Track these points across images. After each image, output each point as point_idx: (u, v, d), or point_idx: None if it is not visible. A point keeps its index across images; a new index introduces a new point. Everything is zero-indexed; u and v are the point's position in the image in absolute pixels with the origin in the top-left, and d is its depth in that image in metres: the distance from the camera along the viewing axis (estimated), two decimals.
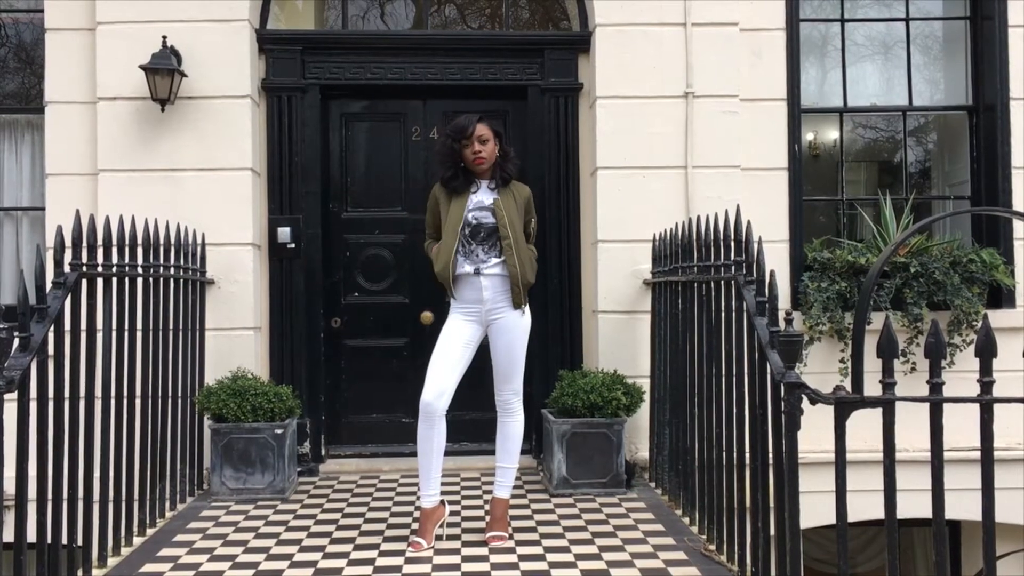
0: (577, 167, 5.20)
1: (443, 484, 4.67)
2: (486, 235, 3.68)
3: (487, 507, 3.84)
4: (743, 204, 3.98)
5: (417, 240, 5.24)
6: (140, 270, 3.81)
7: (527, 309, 3.76)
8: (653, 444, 4.67)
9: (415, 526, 3.92)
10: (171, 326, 4.17)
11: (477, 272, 3.67)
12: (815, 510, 3.75)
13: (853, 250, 5.07)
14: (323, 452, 5.21)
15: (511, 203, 3.71)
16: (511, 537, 3.69)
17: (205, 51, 4.89)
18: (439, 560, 3.43)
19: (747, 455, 3.19)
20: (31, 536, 2.85)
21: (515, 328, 3.71)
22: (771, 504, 2.93)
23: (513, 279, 3.64)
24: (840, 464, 2.53)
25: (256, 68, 5.09)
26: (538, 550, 3.54)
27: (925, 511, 2.58)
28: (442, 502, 3.73)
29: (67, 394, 3.16)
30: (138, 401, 3.77)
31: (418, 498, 3.77)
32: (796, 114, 5.20)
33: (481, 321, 3.72)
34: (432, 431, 3.58)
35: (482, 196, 3.73)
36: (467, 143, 3.68)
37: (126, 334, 3.68)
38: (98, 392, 3.44)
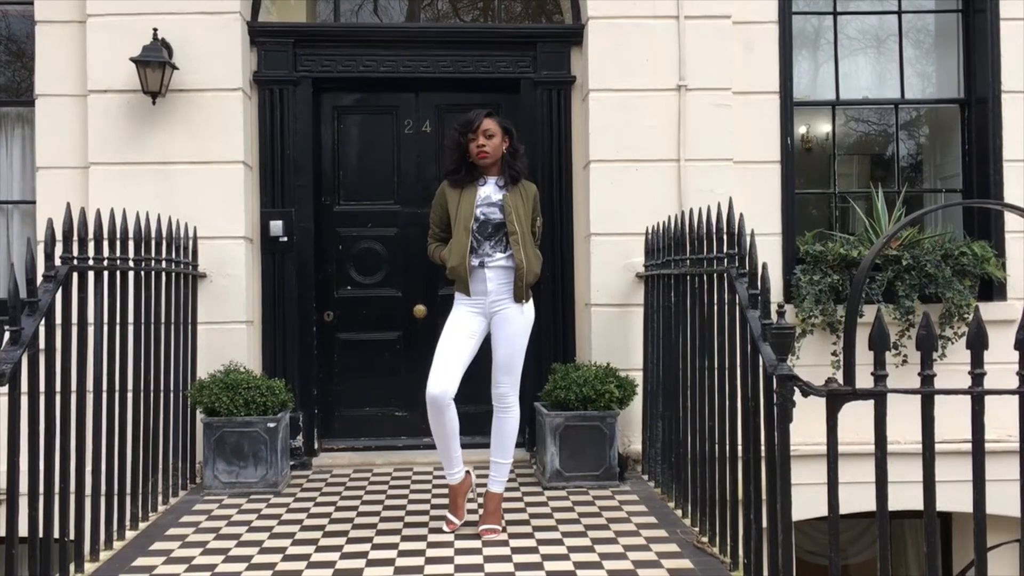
0: (570, 160, 5.20)
1: (436, 479, 4.72)
2: (493, 230, 3.70)
3: (481, 500, 3.84)
4: (735, 197, 3.98)
5: (410, 233, 5.25)
6: (131, 264, 3.80)
7: (530, 305, 3.77)
8: (646, 437, 4.68)
9: (409, 519, 3.93)
10: (163, 320, 4.16)
11: (482, 264, 3.68)
12: (807, 502, 3.77)
13: (845, 243, 5.08)
14: (316, 446, 5.21)
15: (519, 200, 3.75)
16: (504, 530, 3.70)
17: (196, 44, 4.87)
18: (432, 553, 3.43)
19: (739, 447, 3.19)
20: (22, 530, 2.85)
21: (517, 321, 3.72)
22: (763, 496, 2.93)
23: (518, 272, 3.66)
24: (832, 456, 2.54)
25: (248, 61, 5.07)
26: (531, 542, 3.55)
27: (916, 503, 2.59)
28: (467, 472, 3.82)
29: (58, 388, 3.15)
30: (130, 395, 3.76)
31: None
32: (788, 107, 5.21)
33: (485, 313, 3.73)
34: (442, 418, 3.62)
35: (490, 192, 3.75)
36: (473, 137, 3.71)
37: (117, 328, 3.67)
38: (90, 386, 3.44)
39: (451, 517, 3.78)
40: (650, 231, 4.66)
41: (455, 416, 3.66)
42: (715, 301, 3.54)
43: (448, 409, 3.61)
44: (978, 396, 2.44)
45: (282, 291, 5.09)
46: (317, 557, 3.41)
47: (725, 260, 3.42)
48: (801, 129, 5.70)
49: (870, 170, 5.92)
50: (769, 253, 4.74)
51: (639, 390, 4.63)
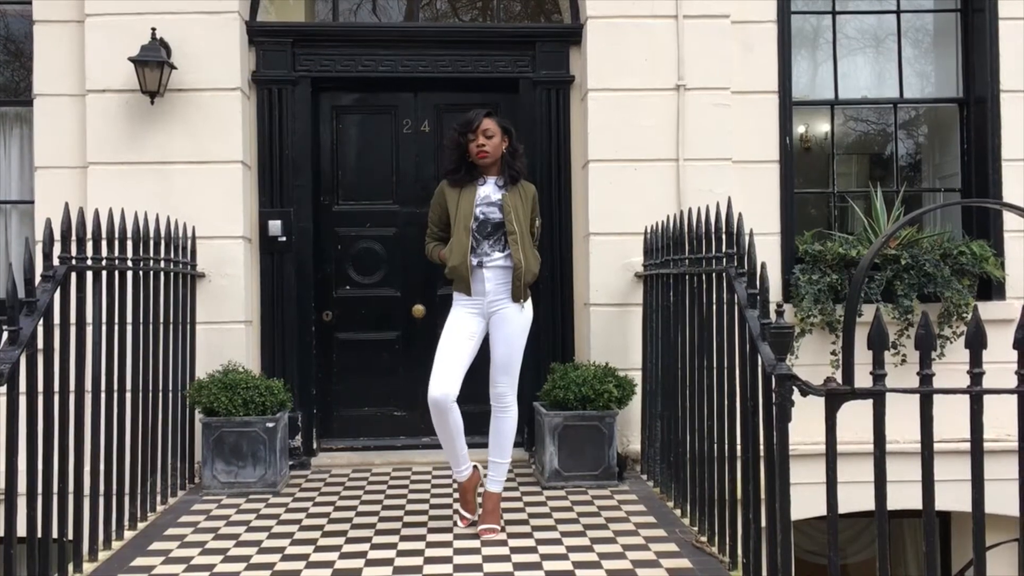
0: (569, 160, 5.20)
1: (434, 478, 4.72)
2: (492, 230, 3.71)
3: (479, 500, 3.85)
4: (734, 196, 3.98)
5: (409, 233, 5.25)
6: (130, 263, 3.79)
7: (528, 304, 3.78)
8: (645, 436, 4.68)
9: (407, 519, 3.93)
10: (161, 320, 4.16)
11: (480, 264, 3.68)
12: (806, 501, 3.77)
13: (844, 243, 5.08)
14: (314, 445, 5.20)
15: (518, 200, 3.76)
16: (503, 529, 3.70)
17: (195, 43, 4.87)
18: (431, 552, 3.43)
19: (738, 447, 3.19)
20: (21, 530, 2.84)
21: (515, 321, 3.72)
22: (762, 496, 2.93)
23: (516, 272, 3.66)
24: (831, 456, 2.54)
25: (246, 60, 5.06)
26: (530, 542, 3.55)
27: (915, 502, 2.59)
28: (475, 467, 3.83)
29: (57, 388, 3.14)
30: (128, 395, 3.76)
31: (454, 481, 3.93)
32: (787, 107, 5.21)
33: (483, 314, 3.74)
34: (446, 419, 3.62)
35: (489, 191, 3.76)
36: (472, 137, 3.72)
37: (116, 328, 3.66)
38: (88, 386, 3.43)
39: (463, 513, 3.81)
40: (649, 231, 4.65)
41: (459, 417, 3.65)
42: (714, 301, 3.54)
43: (451, 411, 3.61)
44: (977, 395, 2.44)
45: (281, 291, 5.09)
46: (316, 557, 3.41)
47: (724, 260, 3.42)
48: (800, 129, 5.70)
49: (869, 169, 5.92)
50: (768, 253, 4.74)
51: (638, 390, 4.63)
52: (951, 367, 4.10)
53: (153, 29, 4.77)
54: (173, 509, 4.13)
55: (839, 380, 2.54)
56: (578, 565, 3.26)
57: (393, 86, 5.32)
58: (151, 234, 4.04)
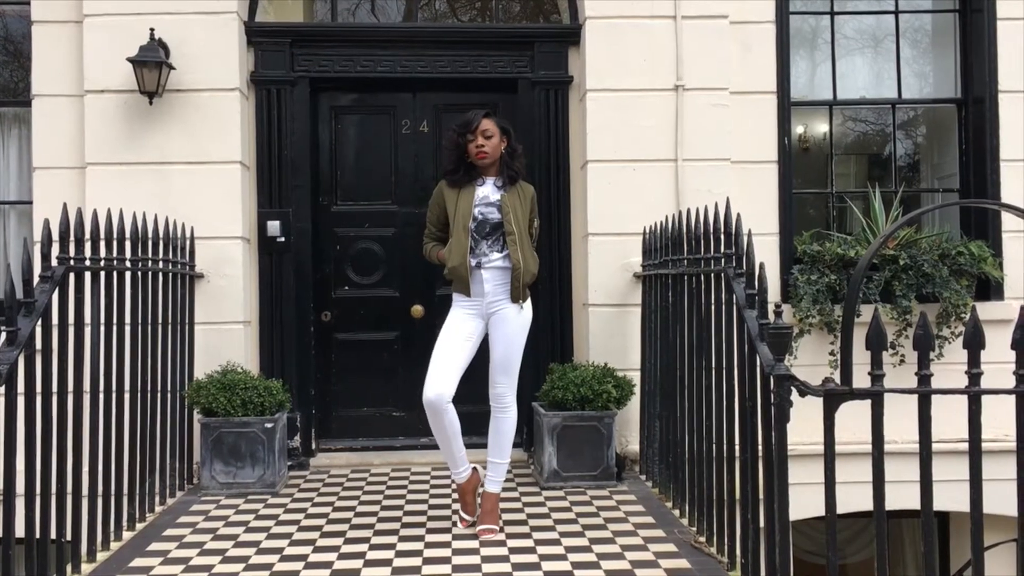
0: (567, 160, 5.20)
1: (433, 479, 4.72)
2: (491, 230, 3.71)
3: (479, 501, 3.85)
4: (733, 197, 3.98)
5: (408, 233, 5.25)
6: (128, 264, 3.79)
7: (527, 305, 3.78)
8: (643, 437, 4.68)
9: (406, 519, 3.93)
10: (160, 320, 4.16)
11: (479, 266, 3.68)
12: (805, 502, 3.77)
13: (843, 243, 5.08)
14: (313, 446, 5.20)
15: (516, 201, 3.76)
16: (502, 530, 3.70)
17: (193, 44, 4.86)
18: (430, 553, 3.43)
19: (737, 447, 3.20)
20: (19, 531, 2.84)
21: (514, 321, 3.72)
22: (761, 496, 2.93)
23: (515, 272, 3.66)
24: (829, 456, 2.54)
25: (245, 61, 5.06)
26: (528, 543, 3.55)
27: (914, 502, 2.59)
28: (474, 469, 3.82)
29: (55, 388, 3.14)
30: (127, 395, 3.76)
31: (452, 482, 3.94)
32: (786, 107, 5.21)
33: (482, 315, 3.73)
34: (442, 420, 3.62)
35: (488, 192, 3.76)
36: (471, 137, 3.71)
37: (114, 328, 3.66)
38: (86, 386, 3.43)
39: (463, 515, 3.81)
40: (648, 231, 4.65)
41: (455, 418, 3.65)
42: (712, 301, 3.54)
43: (446, 413, 3.60)
44: (975, 396, 2.44)
45: (279, 291, 5.09)
46: (314, 558, 3.41)
47: (723, 260, 3.42)
48: (798, 129, 5.70)
49: (867, 170, 5.93)
50: (766, 253, 4.74)
51: (637, 390, 4.63)
52: (950, 367, 4.11)
53: (152, 29, 4.77)
54: (171, 510, 4.13)
55: (837, 380, 2.55)
56: (577, 565, 3.26)
57: (392, 86, 5.32)
58: (149, 234, 4.04)
